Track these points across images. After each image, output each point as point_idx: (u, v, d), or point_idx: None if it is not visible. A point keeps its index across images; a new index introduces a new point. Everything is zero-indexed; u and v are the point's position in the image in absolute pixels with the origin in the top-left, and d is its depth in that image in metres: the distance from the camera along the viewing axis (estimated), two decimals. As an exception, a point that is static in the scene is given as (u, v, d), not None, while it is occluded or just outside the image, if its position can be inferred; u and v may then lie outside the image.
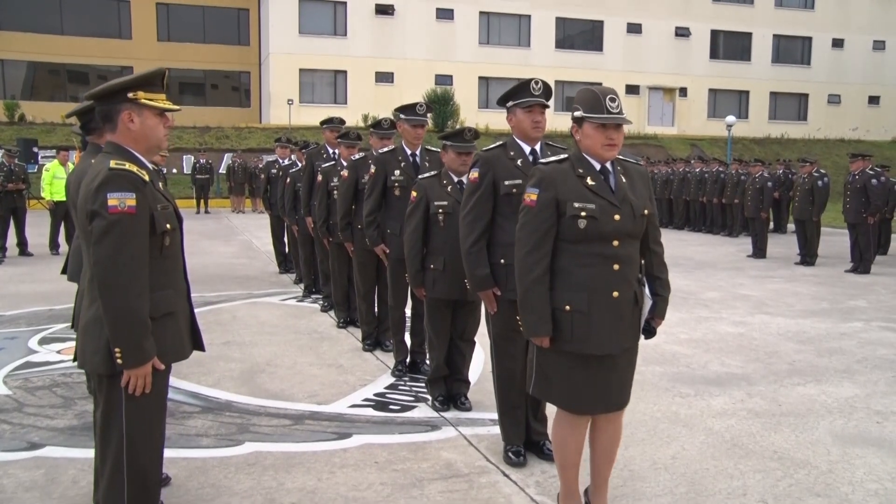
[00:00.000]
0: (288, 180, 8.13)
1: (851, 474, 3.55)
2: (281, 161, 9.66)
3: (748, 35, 35.77)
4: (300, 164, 8.36)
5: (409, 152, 5.06)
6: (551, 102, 3.80)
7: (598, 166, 2.79)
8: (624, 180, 2.81)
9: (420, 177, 4.43)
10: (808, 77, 36.20)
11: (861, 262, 10.50)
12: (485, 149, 3.59)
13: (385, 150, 5.15)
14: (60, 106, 26.24)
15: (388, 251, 5.00)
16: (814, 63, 36.34)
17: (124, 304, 2.34)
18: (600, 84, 28.39)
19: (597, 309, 2.70)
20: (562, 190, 2.73)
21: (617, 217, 2.70)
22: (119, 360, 2.36)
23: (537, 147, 3.59)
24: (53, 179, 11.65)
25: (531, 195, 2.79)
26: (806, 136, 34.37)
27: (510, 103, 3.55)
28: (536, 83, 3.49)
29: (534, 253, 2.75)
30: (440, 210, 4.18)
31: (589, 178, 2.75)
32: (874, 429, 4.19)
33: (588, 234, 2.69)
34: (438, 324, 4.31)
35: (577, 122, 2.78)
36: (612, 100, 2.75)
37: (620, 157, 2.86)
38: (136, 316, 2.36)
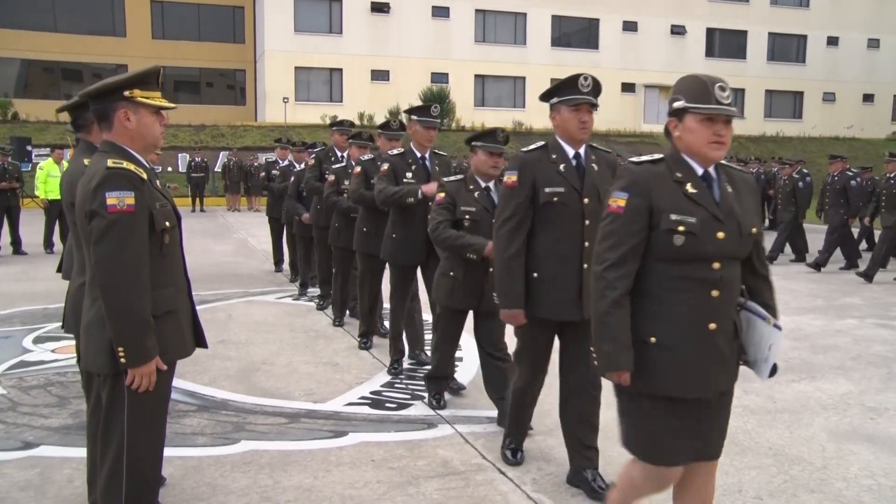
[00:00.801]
0: (292, 180, 7.93)
1: (846, 470, 3.56)
2: (281, 162, 9.53)
3: (744, 33, 35.82)
4: (298, 166, 8.30)
5: (419, 155, 4.95)
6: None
7: (700, 170, 2.34)
8: (730, 189, 2.36)
9: (445, 179, 4.14)
10: (804, 75, 36.27)
11: (849, 260, 10.64)
12: (525, 150, 3.27)
13: (395, 152, 5.02)
14: (54, 104, 25.79)
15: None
16: (809, 61, 36.42)
17: (126, 303, 2.34)
18: (596, 82, 28.22)
19: (689, 343, 2.28)
20: (657, 197, 2.30)
21: (721, 234, 2.27)
22: (122, 360, 2.36)
23: (581, 150, 3.25)
24: (48, 178, 11.61)
25: (618, 200, 2.34)
26: (801, 134, 34.46)
27: (555, 99, 3.22)
28: (586, 79, 3.18)
29: (616, 269, 2.30)
30: (466, 216, 3.91)
31: (689, 184, 2.31)
32: (868, 425, 4.21)
33: (684, 252, 2.26)
34: (451, 331, 4.18)
35: (677, 114, 2.35)
36: (722, 88, 2.29)
37: (723, 161, 2.43)
38: (138, 315, 2.36)
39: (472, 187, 3.99)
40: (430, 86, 29.80)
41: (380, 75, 31.43)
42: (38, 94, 30.96)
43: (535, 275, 3.20)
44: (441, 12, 31.98)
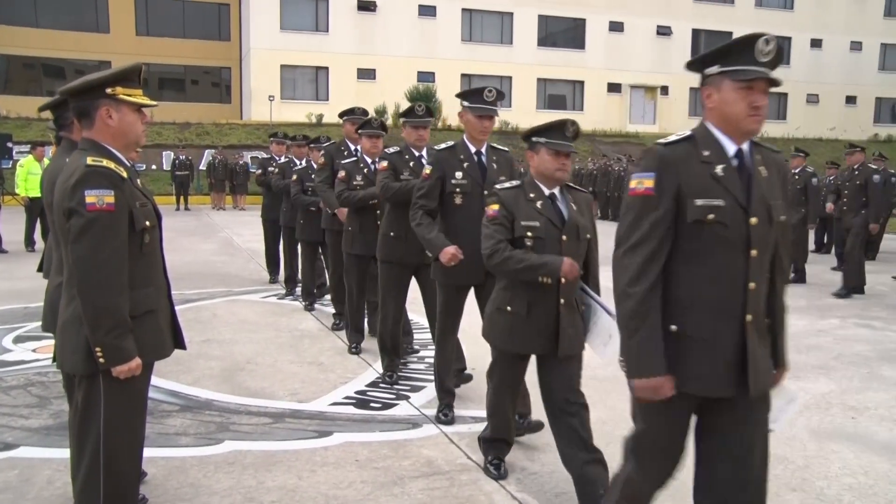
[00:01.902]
0: (294, 178, 7.18)
1: (827, 469, 3.60)
2: (277, 158, 8.70)
3: (729, 34, 35.97)
4: (299, 162, 7.72)
5: (472, 150, 4.02)
6: (532, 101, 3.68)
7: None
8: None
9: (498, 187, 3.26)
10: (787, 76, 36.41)
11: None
12: (663, 141, 2.25)
13: (444, 146, 4.09)
14: (36, 100, 25.70)
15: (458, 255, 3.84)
16: (793, 63, 36.73)
17: (104, 302, 2.32)
18: (582, 82, 28.36)
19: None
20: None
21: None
22: (101, 360, 2.33)
23: (745, 146, 2.23)
24: (28, 175, 11.47)
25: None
26: (785, 135, 34.74)
27: (715, 69, 2.19)
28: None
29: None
30: (528, 234, 3.04)
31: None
32: (849, 424, 4.25)
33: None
34: (510, 382, 3.28)
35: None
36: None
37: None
38: (116, 315, 2.34)
39: (532, 196, 3.11)
40: (417, 85, 29.76)
41: (366, 74, 31.35)
42: (19, 91, 30.59)
43: (674, 327, 2.18)
44: (427, 11, 31.96)
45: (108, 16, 32.50)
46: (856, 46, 37.47)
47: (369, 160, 5.41)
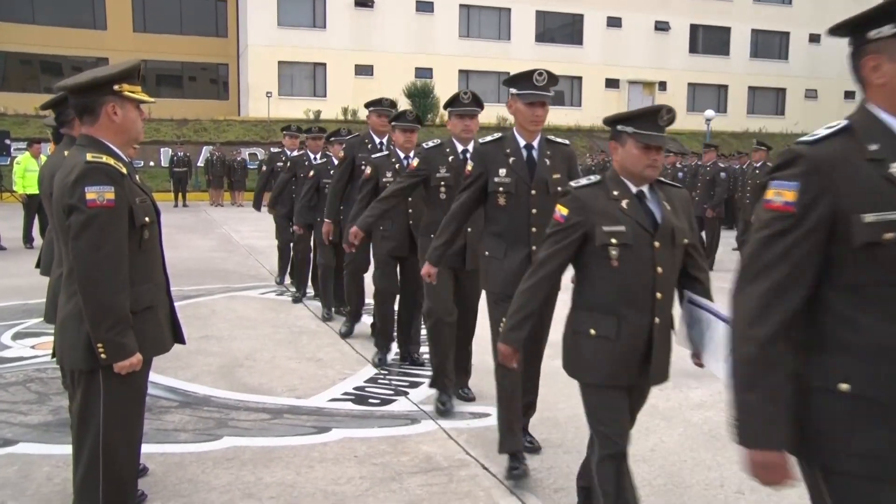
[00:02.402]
0: (311, 174, 6.71)
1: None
2: (289, 152, 8.18)
3: (727, 30, 36.05)
4: (315, 157, 7.14)
5: (522, 143, 3.48)
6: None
7: None
8: None
9: (574, 184, 2.66)
10: (786, 72, 36.58)
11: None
12: (811, 138, 1.67)
13: (490, 139, 3.57)
14: (33, 97, 25.77)
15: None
16: (791, 58, 36.75)
17: (105, 298, 2.32)
18: (580, 78, 28.25)
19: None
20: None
21: None
22: (102, 356, 2.34)
23: None
24: (25, 173, 11.45)
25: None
26: (784, 131, 34.75)
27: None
28: None
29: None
30: (612, 242, 2.49)
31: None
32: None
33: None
34: (614, 417, 2.58)
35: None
36: None
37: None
38: (117, 311, 2.34)
39: (616, 194, 2.55)
40: (415, 81, 29.73)
41: (364, 70, 31.30)
42: (17, 88, 30.53)
43: (845, 387, 1.58)
44: (425, 7, 31.91)
45: (105, 12, 32.44)
46: (854, 41, 37.50)
47: (402, 155, 5.02)
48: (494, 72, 32.37)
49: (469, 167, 3.59)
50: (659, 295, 2.50)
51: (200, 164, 23.44)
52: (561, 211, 2.58)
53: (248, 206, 20.91)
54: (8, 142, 21.91)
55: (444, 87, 30.97)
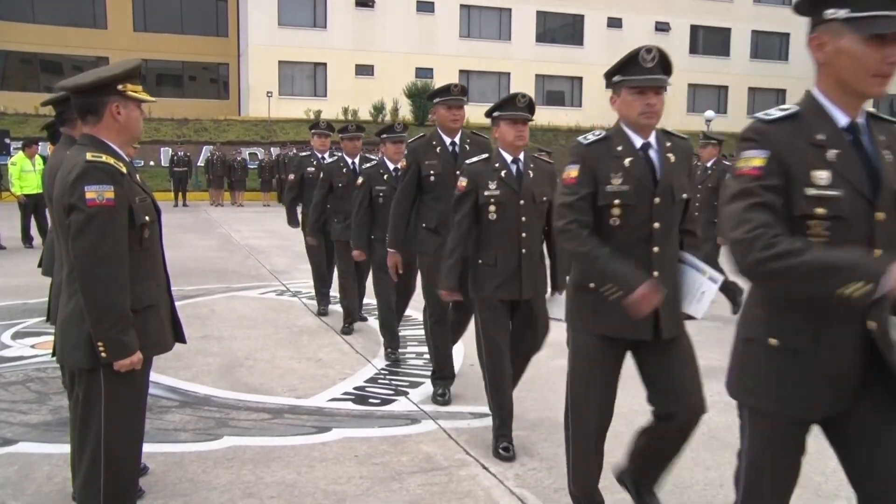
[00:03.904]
0: (360, 181, 5.39)
1: (824, 465, 3.60)
2: (319, 156, 6.80)
3: (727, 30, 36.07)
4: (351, 161, 6.16)
5: (391, 166, 4.09)
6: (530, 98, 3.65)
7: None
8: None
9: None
10: (786, 73, 36.57)
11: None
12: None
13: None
14: (33, 96, 25.78)
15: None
16: (791, 59, 36.74)
17: (106, 297, 2.33)
18: (580, 78, 28.34)
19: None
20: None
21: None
22: (103, 355, 2.35)
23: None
24: (21, 173, 11.41)
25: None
26: (783, 131, 34.87)
27: None
28: None
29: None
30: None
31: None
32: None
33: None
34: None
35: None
36: None
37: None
38: (118, 309, 2.35)
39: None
40: (415, 81, 29.75)
41: (364, 70, 31.32)
42: (17, 87, 30.57)
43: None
44: (426, 7, 31.93)
45: (105, 11, 32.47)
46: (854, 42, 37.53)
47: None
48: (495, 72, 32.40)
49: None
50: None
51: (201, 163, 23.45)
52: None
53: (248, 206, 21.04)
54: (8, 141, 21.93)
55: (445, 88, 31.09)
